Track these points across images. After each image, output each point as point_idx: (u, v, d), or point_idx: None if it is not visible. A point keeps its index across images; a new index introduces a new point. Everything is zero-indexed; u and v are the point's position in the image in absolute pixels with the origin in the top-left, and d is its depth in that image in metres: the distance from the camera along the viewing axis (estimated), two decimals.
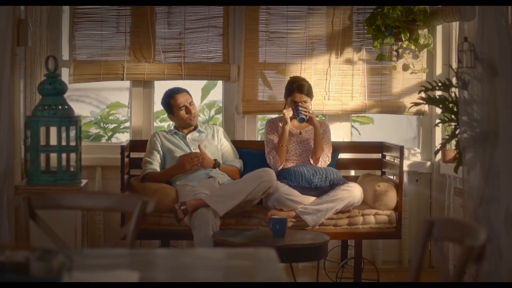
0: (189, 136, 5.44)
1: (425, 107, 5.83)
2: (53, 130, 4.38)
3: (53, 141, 4.42)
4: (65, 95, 4.50)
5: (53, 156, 4.39)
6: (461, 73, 4.00)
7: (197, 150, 5.28)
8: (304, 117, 5.23)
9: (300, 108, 5.24)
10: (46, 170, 4.43)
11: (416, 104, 4.49)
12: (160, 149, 5.36)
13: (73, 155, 4.42)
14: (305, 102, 5.30)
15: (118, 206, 2.81)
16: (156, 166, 5.31)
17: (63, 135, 4.38)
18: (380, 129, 7.11)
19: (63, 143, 4.42)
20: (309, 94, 5.35)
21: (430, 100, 4.31)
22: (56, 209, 2.81)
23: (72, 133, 4.44)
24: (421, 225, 2.37)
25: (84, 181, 4.55)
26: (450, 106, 4.22)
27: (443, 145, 4.30)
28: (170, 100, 5.38)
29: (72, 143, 4.45)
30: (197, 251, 2.45)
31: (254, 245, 4.41)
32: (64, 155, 4.41)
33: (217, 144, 5.46)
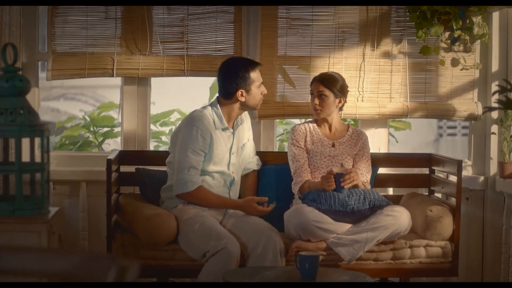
0: (237, 132, 4.38)
1: (479, 111, 4.97)
2: (12, 143, 3.41)
3: (12, 157, 3.45)
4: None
5: (13, 177, 3.41)
6: None
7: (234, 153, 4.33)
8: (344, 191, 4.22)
9: (342, 183, 4.19)
10: (3, 196, 3.44)
11: (491, 108, 3.52)
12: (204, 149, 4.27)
13: (38, 176, 3.42)
14: (321, 96, 4.38)
15: (80, 272, 1.88)
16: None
17: (25, 149, 3.39)
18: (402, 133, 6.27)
19: (25, 159, 3.43)
20: (329, 85, 4.39)
21: (510, 104, 3.33)
22: None
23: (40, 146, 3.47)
24: None
25: (53, 210, 3.54)
26: None
27: None
28: (252, 71, 4.30)
29: (38, 160, 3.46)
30: None
31: None
32: (26, 176, 3.41)
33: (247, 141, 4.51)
